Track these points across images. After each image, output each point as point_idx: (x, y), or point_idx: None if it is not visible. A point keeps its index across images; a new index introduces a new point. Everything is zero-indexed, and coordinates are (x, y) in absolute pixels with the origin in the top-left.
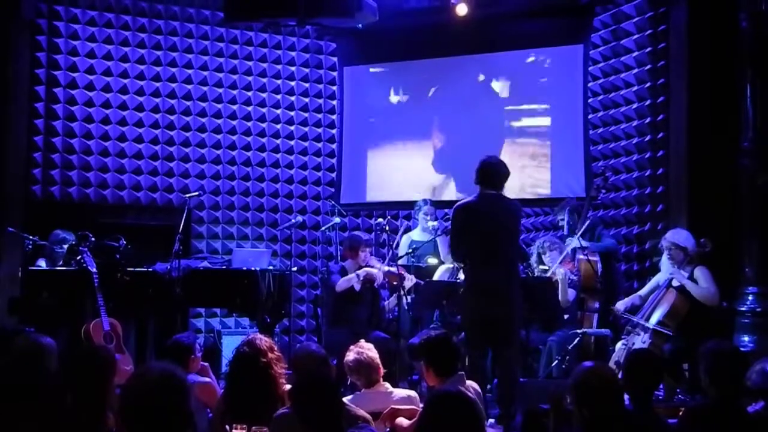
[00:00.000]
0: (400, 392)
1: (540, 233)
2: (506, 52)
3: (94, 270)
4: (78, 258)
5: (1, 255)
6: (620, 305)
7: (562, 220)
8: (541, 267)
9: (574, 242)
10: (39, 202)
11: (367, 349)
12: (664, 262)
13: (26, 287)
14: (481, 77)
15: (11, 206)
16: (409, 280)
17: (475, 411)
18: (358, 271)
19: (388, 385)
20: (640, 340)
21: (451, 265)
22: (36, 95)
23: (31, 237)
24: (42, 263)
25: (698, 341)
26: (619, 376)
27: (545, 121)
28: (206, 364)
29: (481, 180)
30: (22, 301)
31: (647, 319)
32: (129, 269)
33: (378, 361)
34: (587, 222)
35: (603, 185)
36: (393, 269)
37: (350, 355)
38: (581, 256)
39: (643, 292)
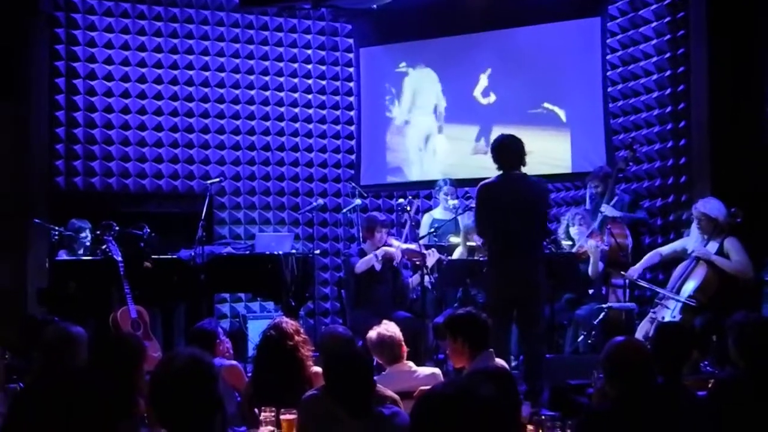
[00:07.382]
0: (424, 370)
1: (562, 208)
2: (523, 27)
3: (120, 259)
4: (103, 247)
5: (29, 246)
6: (632, 271)
7: (596, 186)
8: (567, 242)
9: (607, 210)
10: (63, 193)
11: (388, 327)
12: (694, 229)
13: (53, 277)
14: (498, 53)
15: (36, 198)
16: (431, 255)
17: (515, 387)
18: (376, 251)
19: (411, 363)
20: (670, 314)
21: (472, 243)
22: (56, 87)
23: (57, 228)
24: (63, 254)
25: (727, 313)
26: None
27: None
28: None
29: (497, 161)
30: (50, 292)
31: (677, 292)
32: (154, 257)
33: (400, 337)
34: (615, 197)
35: (631, 158)
36: (412, 246)
37: (372, 334)
38: (611, 228)
39: (664, 250)
